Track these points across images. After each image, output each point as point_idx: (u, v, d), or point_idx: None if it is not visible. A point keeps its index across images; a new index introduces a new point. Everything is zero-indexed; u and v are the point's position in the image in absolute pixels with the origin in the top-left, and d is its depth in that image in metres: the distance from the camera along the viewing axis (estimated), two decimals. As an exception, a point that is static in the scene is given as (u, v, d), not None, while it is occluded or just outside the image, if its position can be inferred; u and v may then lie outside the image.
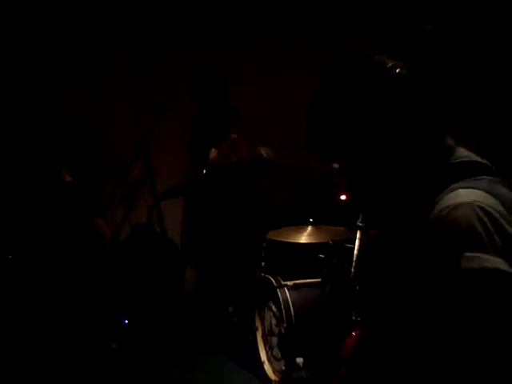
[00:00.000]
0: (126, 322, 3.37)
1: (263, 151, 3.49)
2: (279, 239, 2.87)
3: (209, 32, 4.06)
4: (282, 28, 4.17)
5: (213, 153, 3.57)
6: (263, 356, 2.85)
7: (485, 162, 1.10)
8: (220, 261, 3.62)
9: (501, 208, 0.98)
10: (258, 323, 2.92)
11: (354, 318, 2.36)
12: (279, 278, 2.71)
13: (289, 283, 2.67)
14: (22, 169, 2.64)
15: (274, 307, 2.74)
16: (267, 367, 2.80)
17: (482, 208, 0.96)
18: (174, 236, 3.91)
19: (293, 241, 2.82)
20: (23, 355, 2.52)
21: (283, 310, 2.59)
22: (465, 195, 0.99)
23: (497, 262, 0.92)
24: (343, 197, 3.19)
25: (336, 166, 1.23)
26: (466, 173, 1.05)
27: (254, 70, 4.05)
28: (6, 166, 2.70)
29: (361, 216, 2.42)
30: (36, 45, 3.64)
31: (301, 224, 2.94)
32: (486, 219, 0.95)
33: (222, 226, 3.61)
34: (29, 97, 3.45)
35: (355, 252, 2.39)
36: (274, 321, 2.76)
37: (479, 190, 1.00)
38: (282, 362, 2.65)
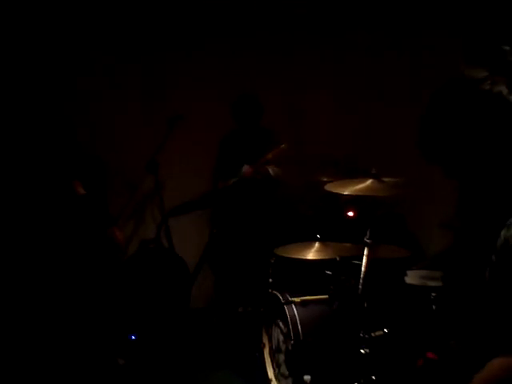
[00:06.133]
0: (133, 337, 3.36)
1: (270, 169, 3.52)
2: (287, 255, 2.87)
3: (222, 46, 4.12)
4: (298, 45, 4.22)
5: (246, 168, 3.61)
6: (270, 373, 2.84)
7: None
8: (235, 274, 3.63)
9: None
10: (265, 340, 2.91)
11: (361, 334, 2.35)
12: (287, 295, 2.71)
13: (296, 300, 2.67)
14: (34, 181, 2.67)
15: (281, 324, 2.73)
16: (274, 385, 2.78)
17: None
18: (182, 251, 3.91)
19: (300, 257, 2.82)
20: (30, 370, 2.52)
21: (290, 327, 2.58)
22: None
23: None
24: (350, 213, 3.19)
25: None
26: None
27: (264, 82, 4.08)
28: (19, 180, 2.74)
29: (368, 232, 2.42)
30: (48, 58, 3.69)
31: (308, 240, 2.94)
32: None
33: (238, 240, 3.63)
34: (39, 111, 3.50)
35: (362, 269, 2.39)
36: (281, 338, 2.75)
37: None
38: (290, 380, 2.63)
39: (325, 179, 3.11)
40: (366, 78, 4.13)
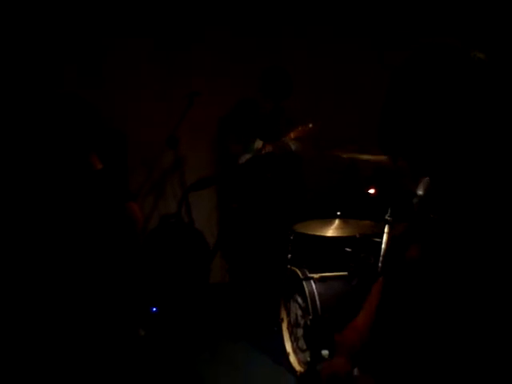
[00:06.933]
0: (154, 310, 3.44)
1: (292, 144, 3.50)
2: (306, 232, 2.88)
3: (236, 21, 4.07)
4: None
5: (258, 144, 3.59)
6: (288, 347, 2.88)
7: None
8: (251, 251, 3.65)
9: None
10: (283, 314, 2.95)
11: (380, 311, 2.36)
12: (305, 271, 2.73)
13: (315, 276, 2.68)
14: (51, 156, 2.68)
15: (299, 299, 2.76)
16: (292, 358, 2.82)
17: None
18: (202, 226, 3.95)
19: (320, 234, 2.82)
20: (50, 339, 2.58)
21: (309, 302, 2.60)
22: None
23: None
24: (371, 190, 3.17)
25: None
26: None
27: (281, 61, 4.04)
28: (35, 154, 2.75)
29: (389, 210, 2.40)
30: (63, 34, 3.69)
31: (328, 217, 2.94)
32: None
33: (254, 216, 3.64)
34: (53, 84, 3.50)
35: (383, 246, 2.38)
36: (299, 312, 2.78)
37: None
38: (307, 354, 2.67)
39: (344, 156, 3.09)
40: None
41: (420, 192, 1.18)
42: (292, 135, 3.46)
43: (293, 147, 3.49)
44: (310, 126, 3.43)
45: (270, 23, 4.11)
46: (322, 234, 2.82)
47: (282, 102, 3.69)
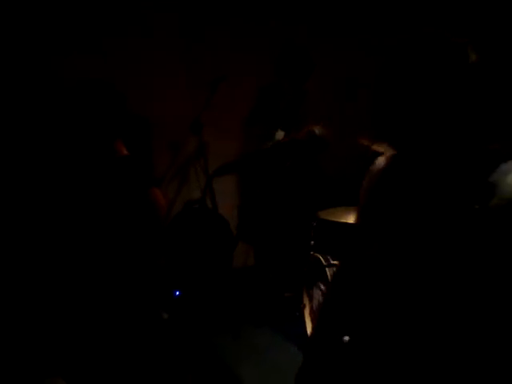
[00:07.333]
0: (177, 294, 3.48)
1: (316, 130, 3.47)
2: (329, 219, 2.87)
3: (262, 4, 4.04)
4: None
5: (279, 135, 3.58)
6: (310, 333, 2.89)
7: None
8: (275, 238, 3.66)
9: None
10: (305, 301, 2.96)
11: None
12: (328, 257, 2.73)
13: (338, 262, 2.68)
14: (77, 143, 2.71)
15: (322, 286, 2.77)
16: (314, 344, 2.84)
17: None
18: (226, 211, 3.97)
19: (343, 221, 2.81)
20: (77, 323, 2.63)
21: (332, 289, 2.60)
22: None
23: None
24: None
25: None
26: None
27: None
28: (61, 141, 2.78)
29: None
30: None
31: (351, 204, 2.93)
32: None
33: (276, 203, 3.64)
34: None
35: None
36: (322, 299, 2.78)
37: None
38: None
39: (366, 143, 3.06)
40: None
41: None
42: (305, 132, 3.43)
43: (317, 132, 3.47)
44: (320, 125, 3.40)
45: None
46: (346, 221, 2.80)
47: (303, 82, 3.64)
